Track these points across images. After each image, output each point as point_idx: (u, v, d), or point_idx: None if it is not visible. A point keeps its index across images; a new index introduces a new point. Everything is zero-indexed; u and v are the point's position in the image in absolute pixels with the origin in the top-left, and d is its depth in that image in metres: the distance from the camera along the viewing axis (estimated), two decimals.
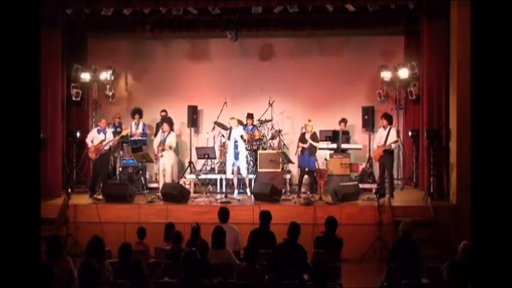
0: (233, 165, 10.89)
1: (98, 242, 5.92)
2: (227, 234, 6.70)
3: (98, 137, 10.87)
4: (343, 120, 12.14)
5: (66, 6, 11.15)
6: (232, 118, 11.05)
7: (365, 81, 12.91)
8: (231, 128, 10.98)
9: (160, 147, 11.00)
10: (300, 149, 10.95)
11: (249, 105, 12.60)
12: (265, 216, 7.36)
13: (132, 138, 12.15)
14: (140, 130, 12.33)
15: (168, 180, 11.02)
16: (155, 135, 12.24)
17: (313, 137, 10.92)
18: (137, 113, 12.38)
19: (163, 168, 11.03)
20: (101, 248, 5.89)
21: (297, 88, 12.96)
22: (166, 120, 11.46)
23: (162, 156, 10.97)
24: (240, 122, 11.36)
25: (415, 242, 6.76)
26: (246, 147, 11.08)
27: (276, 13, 11.57)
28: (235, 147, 10.81)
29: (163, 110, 12.46)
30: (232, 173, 11.00)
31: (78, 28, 12.40)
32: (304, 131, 10.99)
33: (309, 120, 11.05)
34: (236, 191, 10.98)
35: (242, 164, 10.85)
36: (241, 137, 10.88)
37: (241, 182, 11.13)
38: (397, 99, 12.50)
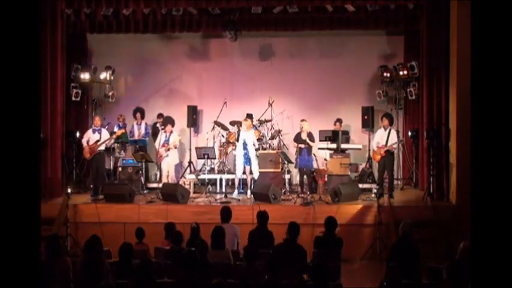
0: (244, 165, 10.78)
1: (96, 241, 5.92)
2: (227, 233, 6.70)
3: (93, 137, 10.88)
4: (339, 120, 12.13)
5: (66, 6, 11.16)
6: (245, 120, 10.94)
7: (365, 81, 12.91)
8: (239, 131, 10.88)
9: (164, 148, 11.05)
10: (297, 149, 10.95)
11: (248, 105, 12.61)
12: (262, 216, 7.38)
13: (131, 138, 12.17)
14: (143, 130, 12.36)
15: (171, 179, 11.06)
16: (152, 135, 12.28)
17: (310, 136, 10.94)
18: (138, 112, 12.39)
19: (167, 168, 11.14)
20: (98, 247, 5.89)
21: (297, 88, 12.97)
22: (168, 120, 11.47)
23: (167, 155, 11.09)
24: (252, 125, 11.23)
25: (415, 242, 6.76)
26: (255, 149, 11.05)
27: (276, 13, 11.57)
28: (244, 148, 10.71)
29: (160, 114, 12.43)
30: (244, 173, 10.86)
31: (78, 28, 12.39)
32: (299, 131, 11.01)
33: (303, 120, 11.06)
34: (236, 191, 10.95)
35: (255, 164, 10.78)
36: (253, 143, 10.76)
37: (241, 182, 11.10)
38: (397, 99, 12.50)
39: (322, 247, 6.89)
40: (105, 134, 10.98)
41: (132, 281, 5.09)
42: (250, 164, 10.73)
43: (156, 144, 11.42)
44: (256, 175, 10.82)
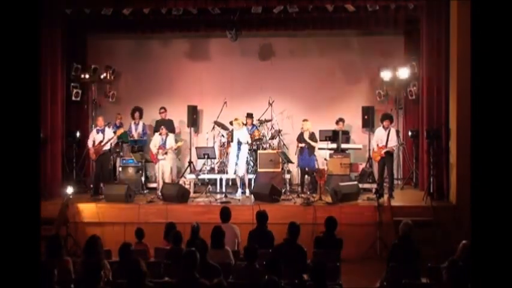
0: (236, 165, 10.83)
1: (95, 241, 5.92)
2: (227, 233, 6.71)
3: (97, 138, 10.92)
4: (341, 120, 12.14)
5: (66, 6, 11.16)
6: (236, 119, 10.97)
7: (365, 81, 12.93)
8: (232, 130, 10.93)
9: (161, 150, 11.01)
10: (298, 148, 10.98)
11: (248, 105, 12.61)
12: (262, 216, 7.38)
13: (131, 138, 12.16)
14: (140, 130, 12.33)
15: (167, 181, 11.03)
16: (154, 132, 12.25)
17: (312, 136, 10.95)
18: (137, 111, 12.38)
19: (162, 169, 11.08)
20: (98, 248, 5.89)
21: (297, 88, 12.98)
22: (165, 123, 11.46)
23: (164, 158, 11.03)
24: (242, 123, 11.28)
25: (415, 242, 6.76)
26: (248, 148, 11.08)
27: (276, 13, 11.58)
28: (238, 148, 10.76)
29: (162, 107, 12.43)
30: (235, 173, 10.94)
31: (78, 28, 12.40)
32: (302, 131, 11.01)
33: (305, 120, 11.07)
34: (240, 190, 10.94)
35: (241, 163, 10.82)
36: (247, 141, 10.76)
37: (241, 181, 11.11)
38: (397, 99, 12.51)
39: (322, 247, 6.90)
40: (108, 133, 11.00)
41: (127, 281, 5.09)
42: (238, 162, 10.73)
43: (151, 145, 11.32)
44: (240, 173, 10.80)
